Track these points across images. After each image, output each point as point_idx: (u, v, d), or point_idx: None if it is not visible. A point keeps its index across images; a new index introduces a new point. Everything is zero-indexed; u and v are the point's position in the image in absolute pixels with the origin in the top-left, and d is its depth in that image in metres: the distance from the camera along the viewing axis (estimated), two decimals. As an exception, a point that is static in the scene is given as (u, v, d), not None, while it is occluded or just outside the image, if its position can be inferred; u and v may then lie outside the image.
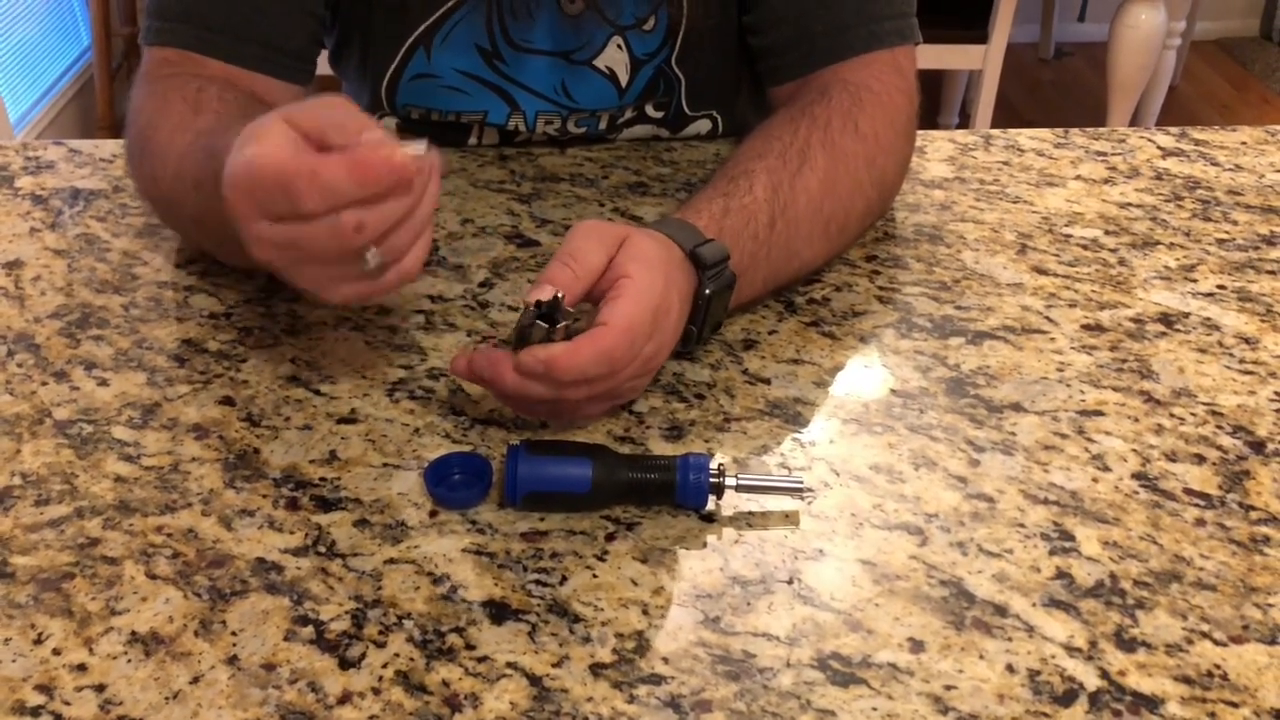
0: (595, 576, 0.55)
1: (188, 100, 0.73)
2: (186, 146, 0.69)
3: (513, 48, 0.86)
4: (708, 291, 0.66)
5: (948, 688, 0.50)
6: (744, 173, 0.73)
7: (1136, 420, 0.66)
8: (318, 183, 0.53)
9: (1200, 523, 0.59)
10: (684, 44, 0.87)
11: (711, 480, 0.58)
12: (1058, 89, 3.38)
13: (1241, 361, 0.71)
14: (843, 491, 0.61)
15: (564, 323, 0.58)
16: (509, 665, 0.51)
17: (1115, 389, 0.68)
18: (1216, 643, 0.53)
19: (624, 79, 0.88)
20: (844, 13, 0.81)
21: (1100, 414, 0.66)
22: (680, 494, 0.58)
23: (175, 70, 0.77)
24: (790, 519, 0.59)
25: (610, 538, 0.58)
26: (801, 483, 0.60)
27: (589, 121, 0.92)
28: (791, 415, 0.66)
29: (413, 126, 0.92)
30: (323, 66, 0.87)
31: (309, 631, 0.52)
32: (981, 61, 2.31)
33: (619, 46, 0.86)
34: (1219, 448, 0.64)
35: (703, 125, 0.95)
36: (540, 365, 0.58)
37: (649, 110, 0.92)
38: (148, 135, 0.73)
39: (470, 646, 0.52)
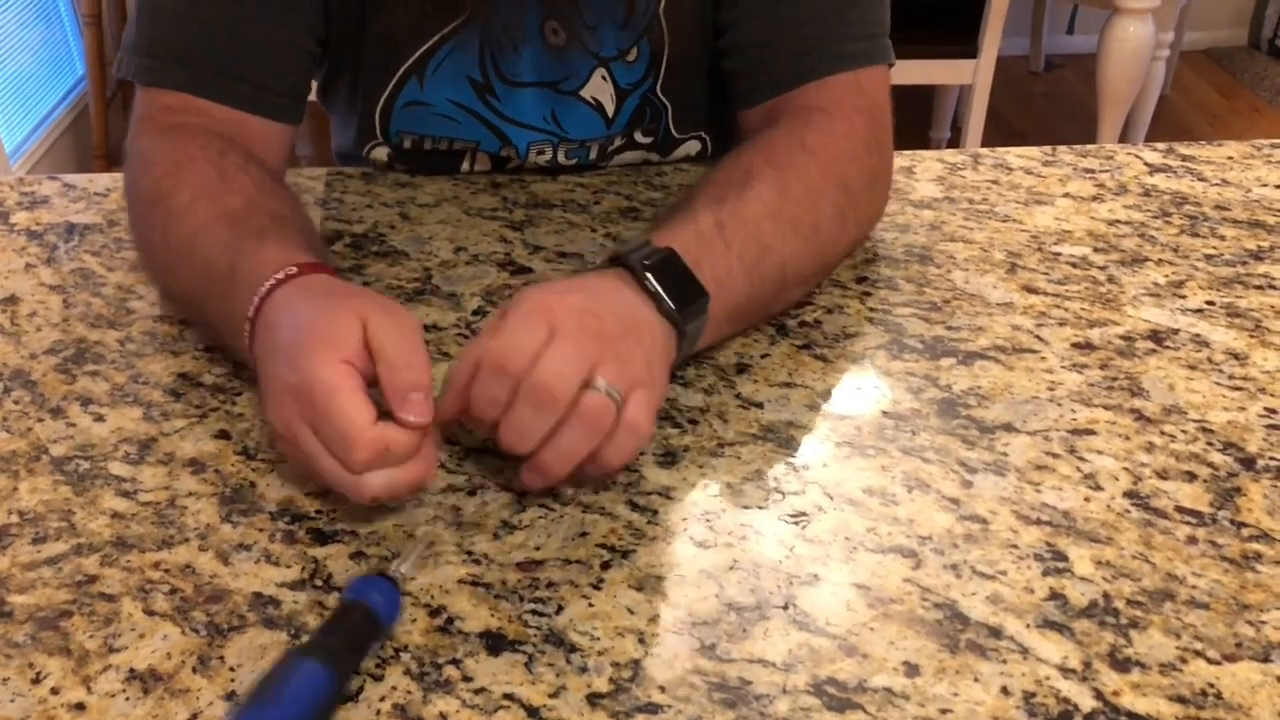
0: (591, 605, 0.56)
1: (211, 162, 0.73)
2: (209, 219, 0.69)
3: (504, 82, 0.86)
4: (645, 264, 0.64)
5: (943, 711, 0.51)
6: (681, 202, 0.73)
7: (1127, 439, 0.66)
8: (359, 441, 0.55)
9: (1192, 540, 0.60)
10: (667, 72, 0.88)
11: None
12: (1049, 101, 3.40)
13: (1231, 378, 0.72)
14: (836, 515, 0.61)
15: None
16: (506, 696, 0.51)
17: (1106, 407, 0.69)
18: (1210, 661, 0.53)
19: (610, 109, 0.89)
20: (808, 37, 0.81)
21: (1091, 433, 0.67)
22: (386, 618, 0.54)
23: (182, 119, 0.77)
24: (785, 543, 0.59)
25: (606, 566, 0.58)
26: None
27: (579, 152, 0.92)
28: (784, 439, 0.66)
29: (405, 155, 0.93)
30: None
31: (307, 666, 0.52)
32: (972, 76, 2.32)
33: (603, 78, 0.87)
34: (1210, 465, 0.65)
35: (692, 146, 0.95)
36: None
37: (637, 137, 0.93)
38: (165, 190, 0.72)
39: (467, 678, 0.52)
